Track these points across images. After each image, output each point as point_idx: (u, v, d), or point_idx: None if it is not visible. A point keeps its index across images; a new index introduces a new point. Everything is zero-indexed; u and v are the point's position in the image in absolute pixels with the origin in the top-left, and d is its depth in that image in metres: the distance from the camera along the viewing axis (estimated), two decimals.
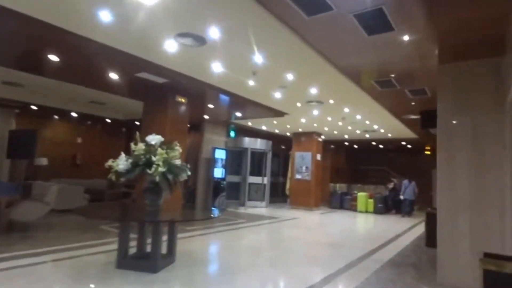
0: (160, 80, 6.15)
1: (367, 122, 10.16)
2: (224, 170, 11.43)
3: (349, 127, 11.37)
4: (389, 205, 13.39)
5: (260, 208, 12.40)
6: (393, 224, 10.32)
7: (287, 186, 13.71)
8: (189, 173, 4.04)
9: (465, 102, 4.53)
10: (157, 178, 3.65)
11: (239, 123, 11.78)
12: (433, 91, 6.04)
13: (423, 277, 4.62)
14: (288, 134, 13.97)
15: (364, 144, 16.58)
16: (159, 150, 3.75)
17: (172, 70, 5.76)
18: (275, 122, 11.02)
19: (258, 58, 5.03)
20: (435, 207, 7.11)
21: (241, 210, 11.60)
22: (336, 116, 9.46)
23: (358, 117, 9.38)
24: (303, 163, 13.13)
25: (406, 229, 9.26)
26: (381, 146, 17.03)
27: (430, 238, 6.92)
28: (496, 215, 4.17)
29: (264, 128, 12.53)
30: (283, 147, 15.88)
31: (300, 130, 12.72)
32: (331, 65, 5.04)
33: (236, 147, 12.61)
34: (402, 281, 4.41)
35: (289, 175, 13.70)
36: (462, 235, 4.37)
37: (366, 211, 13.17)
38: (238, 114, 9.80)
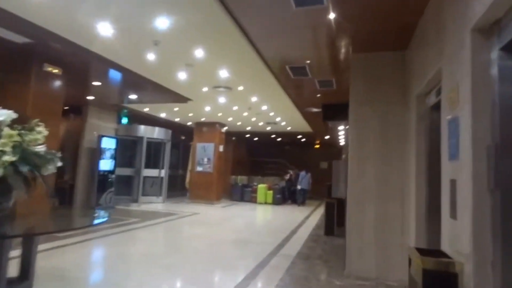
0: (20, 39, 4.55)
1: (272, 113, 10.09)
2: (113, 162, 9.82)
3: (253, 119, 11.17)
4: (285, 196, 13.89)
5: (157, 204, 11.21)
6: (291, 214, 10.59)
7: (187, 179, 12.81)
8: (60, 163, 2.88)
9: (374, 92, 4.56)
10: (2, 171, 2.43)
11: (133, 108, 10.29)
12: (339, 83, 6.12)
13: (333, 270, 4.52)
14: (189, 123, 13.02)
15: (264, 137, 16.87)
16: (6, 131, 2.52)
17: (39, 26, 4.28)
18: (176, 109, 9.98)
19: (161, 23, 4.08)
20: (334, 197, 7.43)
21: (134, 207, 10.22)
22: (243, 105, 9.05)
23: (264, 107, 9.17)
24: (205, 155, 12.44)
25: (304, 219, 9.56)
26: (279, 139, 17.63)
27: (328, 227, 7.16)
28: (397, 205, 4.30)
29: (163, 115, 11.30)
30: (184, 137, 14.83)
31: (203, 119, 11.95)
32: (248, 42, 4.46)
33: (129, 136, 11.04)
34: (315, 277, 4.19)
35: (189, 167, 12.83)
36: (368, 225, 4.40)
37: (266, 203, 13.34)
38: (133, 96, 8.43)
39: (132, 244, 5.68)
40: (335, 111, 7.94)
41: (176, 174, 14.31)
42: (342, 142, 13.56)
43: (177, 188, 14.26)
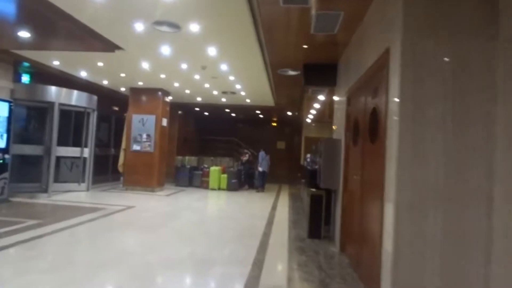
0: None
1: (232, 77, 7.85)
2: (7, 136, 6.85)
3: (207, 85, 8.81)
4: (242, 180, 11.94)
5: (78, 194, 8.47)
6: (253, 204, 8.69)
7: (120, 160, 10.10)
8: None
9: (442, 17, 2.64)
10: None
11: (39, 61, 7.26)
12: (348, 21, 4.11)
13: None
14: (123, 89, 10.17)
15: (216, 112, 14.56)
16: None
17: None
18: (101, 64, 7.19)
19: None
20: (321, 188, 5.60)
21: (42, 199, 7.40)
22: (195, 61, 6.67)
23: (224, 67, 6.89)
24: (144, 130, 9.81)
25: (271, 211, 7.71)
26: (233, 114, 15.45)
27: (314, 228, 5.37)
28: (481, 213, 2.53)
29: (83, 75, 8.36)
30: (116, 108, 11.88)
31: (140, 83, 9.23)
32: None
33: (33, 101, 7.96)
34: None
35: (123, 145, 10.10)
36: (431, 246, 2.57)
37: (219, 188, 11.26)
38: (25, 35, 5.56)
39: (8, 276, 3.22)
40: (321, 73, 6.01)
41: (107, 153, 11.44)
42: (310, 116, 11.86)
43: (107, 171, 11.44)
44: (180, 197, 9.21)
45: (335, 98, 6.01)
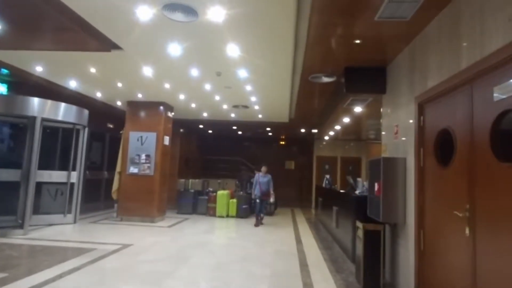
0: None
1: (248, 87, 6.71)
2: None
3: (217, 97, 7.66)
4: (253, 205, 10.58)
5: (62, 228, 7.08)
6: (274, 236, 7.33)
7: (115, 185, 8.74)
8: None
9: None
10: None
11: (18, 68, 6.05)
12: (429, 5, 3.01)
13: None
14: (119, 104, 8.98)
15: (221, 129, 13.37)
16: None
17: None
18: (94, 70, 6.01)
19: None
20: (378, 222, 4.34)
21: (17, 237, 6.01)
22: (209, 67, 5.52)
23: (243, 74, 5.76)
24: (143, 149, 8.55)
25: (297, 247, 6.38)
26: (240, 132, 14.27)
27: (372, 276, 4.09)
28: None
29: (73, 85, 7.16)
30: (111, 125, 10.64)
31: (140, 96, 8.05)
32: None
33: (9, 115, 6.69)
34: None
35: (118, 167, 8.78)
36: None
37: (228, 215, 9.91)
38: None
39: None
40: (366, 78, 4.88)
41: (99, 177, 10.10)
42: (331, 133, 10.69)
43: (100, 198, 10.06)
44: (185, 228, 7.83)
45: (385, 108, 4.85)
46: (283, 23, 3.84)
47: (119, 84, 6.91)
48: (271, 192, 8.91)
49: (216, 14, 3.71)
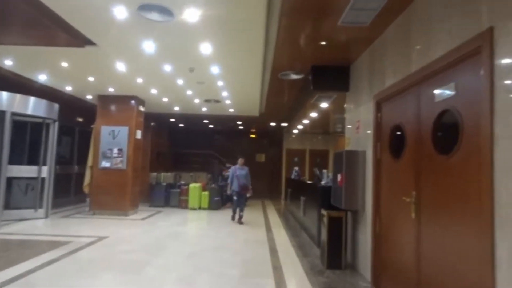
0: None
1: (220, 83, 6.92)
2: None
3: (190, 92, 7.79)
4: (224, 198, 10.87)
5: (34, 222, 7.00)
6: (245, 226, 7.67)
7: (86, 179, 8.66)
8: None
9: None
10: None
11: None
12: (386, 13, 3.40)
13: None
14: (89, 97, 8.85)
15: (192, 122, 13.43)
16: None
17: None
18: (66, 64, 5.96)
19: None
20: (341, 209, 4.76)
21: None
22: (183, 63, 5.67)
23: (215, 70, 5.96)
24: (115, 144, 8.52)
25: (268, 235, 6.77)
26: (211, 126, 14.41)
27: (333, 256, 4.52)
28: None
29: (42, 79, 7.01)
30: (81, 119, 10.43)
31: (111, 90, 8.00)
32: None
33: None
34: None
35: (89, 162, 8.69)
36: None
37: (200, 208, 10.12)
38: None
39: None
40: (331, 76, 5.28)
41: (70, 172, 9.91)
42: (300, 127, 11.14)
43: (71, 192, 9.89)
44: (158, 220, 7.97)
45: (348, 105, 5.28)
46: (254, 25, 4.10)
47: (91, 79, 6.87)
48: (250, 186, 8.18)
49: (191, 15, 3.90)
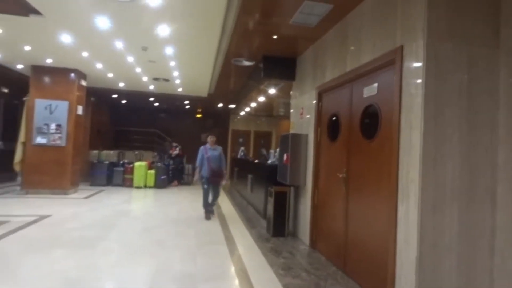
0: None
1: (173, 63, 6.97)
2: None
3: (139, 69, 7.67)
4: (170, 176, 11.00)
5: None
6: (194, 203, 8.00)
7: (17, 157, 8.06)
8: None
9: (459, 24, 2.66)
10: None
11: None
12: (336, 12, 3.92)
13: None
14: (20, 67, 8.12)
15: (136, 100, 13.01)
16: None
17: None
18: (0, 31, 5.49)
19: None
20: (286, 185, 5.36)
21: None
22: (136, 41, 5.64)
23: (169, 51, 6.03)
24: (52, 119, 8.04)
25: (217, 210, 7.19)
26: (156, 104, 14.10)
27: (278, 226, 5.16)
28: (486, 211, 2.65)
29: None
30: (6, 90, 9.48)
31: (49, 61, 7.48)
32: None
33: None
34: None
35: (21, 138, 8.09)
36: (448, 244, 2.58)
37: (145, 186, 10.12)
38: None
39: None
40: (280, 66, 5.76)
41: None
42: (247, 109, 11.55)
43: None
44: (103, 199, 7.88)
45: (294, 92, 5.84)
46: (213, 13, 4.33)
47: (27, 48, 6.38)
48: (224, 170, 6.55)
49: None
